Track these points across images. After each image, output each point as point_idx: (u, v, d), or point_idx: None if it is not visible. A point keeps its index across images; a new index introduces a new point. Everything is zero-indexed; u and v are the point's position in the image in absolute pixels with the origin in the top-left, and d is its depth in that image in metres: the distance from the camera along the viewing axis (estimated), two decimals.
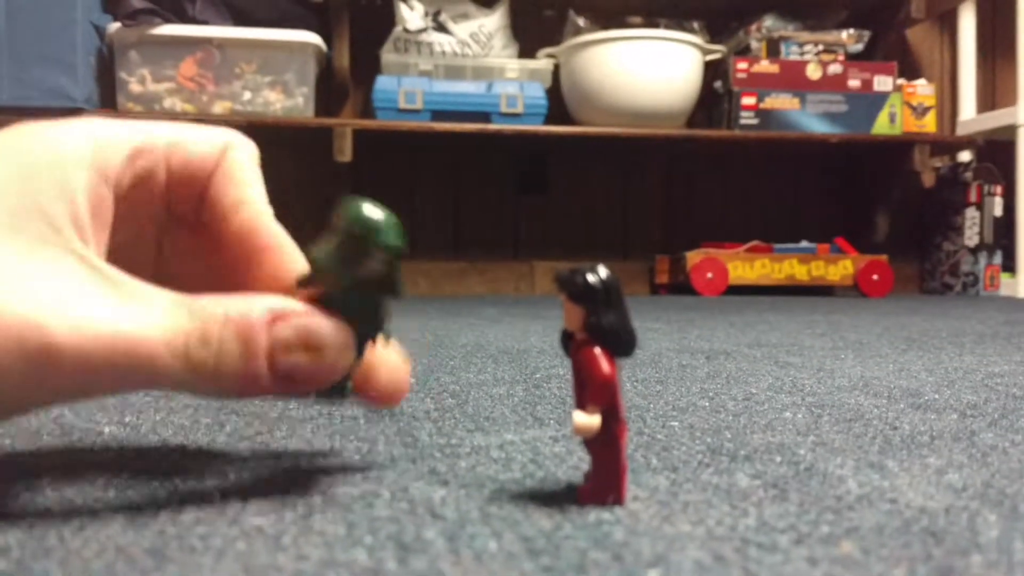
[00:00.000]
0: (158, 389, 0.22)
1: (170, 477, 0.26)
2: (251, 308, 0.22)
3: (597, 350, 0.22)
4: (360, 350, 0.24)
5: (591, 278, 0.22)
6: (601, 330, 0.22)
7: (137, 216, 0.25)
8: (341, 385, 0.24)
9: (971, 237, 1.98)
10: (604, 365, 0.22)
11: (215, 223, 0.26)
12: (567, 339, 0.23)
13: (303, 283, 0.23)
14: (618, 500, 0.23)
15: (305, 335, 0.22)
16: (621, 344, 0.23)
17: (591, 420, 0.22)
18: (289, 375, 0.22)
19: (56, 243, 0.21)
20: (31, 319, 0.20)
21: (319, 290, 0.23)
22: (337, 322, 0.23)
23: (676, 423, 0.36)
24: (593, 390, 0.22)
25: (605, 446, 0.23)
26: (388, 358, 0.26)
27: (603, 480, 0.23)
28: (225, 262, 0.26)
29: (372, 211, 0.23)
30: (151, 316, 0.21)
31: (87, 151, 0.23)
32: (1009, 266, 1.91)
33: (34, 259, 0.21)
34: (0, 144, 0.23)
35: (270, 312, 0.22)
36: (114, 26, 1.54)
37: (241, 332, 0.22)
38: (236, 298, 0.22)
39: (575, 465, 0.28)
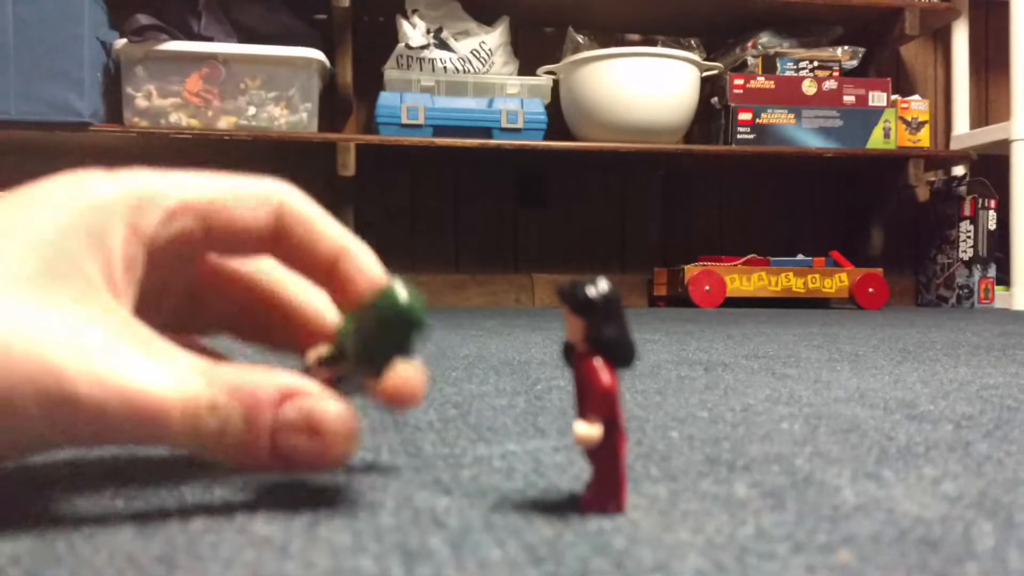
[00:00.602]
0: (170, 446, 0.22)
1: (179, 486, 0.26)
2: (262, 384, 0.22)
3: (598, 361, 0.23)
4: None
5: (592, 291, 0.23)
6: (602, 342, 0.23)
7: (169, 269, 0.26)
8: None
9: (965, 250, 1.98)
10: (605, 376, 0.23)
11: (310, 273, 0.26)
12: (568, 350, 0.24)
13: (327, 362, 0.25)
14: (619, 509, 0.23)
15: (309, 419, 0.23)
16: (621, 355, 0.23)
17: (592, 430, 0.23)
18: (289, 456, 0.23)
19: (89, 298, 0.22)
20: (55, 367, 0.20)
21: (336, 371, 0.25)
22: (345, 408, 0.23)
23: (675, 433, 0.36)
24: (594, 401, 0.23)
25: (606, 456, 0.23)
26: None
27: (604, 489, 0.23)
28: (256, 309, 0.28)
29: (407, 306, 0.24)
30: (170, 377, 0.22)
31: (125, 207, 0.23)
32: (1003, 279, 1.92)
33: (65, 312, 0.21)
34: (43, 194, 0.23)
35: (280, 391, 0.23)
36: (121, 42, 1.55)
37: (248, 408, 0.22)
38: (252, 371, 0.23)
39: (576, 475, 0.28)
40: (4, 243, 0.22)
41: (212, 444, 0.22)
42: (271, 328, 0.29)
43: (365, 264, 0.26)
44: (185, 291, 0.28)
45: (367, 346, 0.24)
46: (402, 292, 0.24)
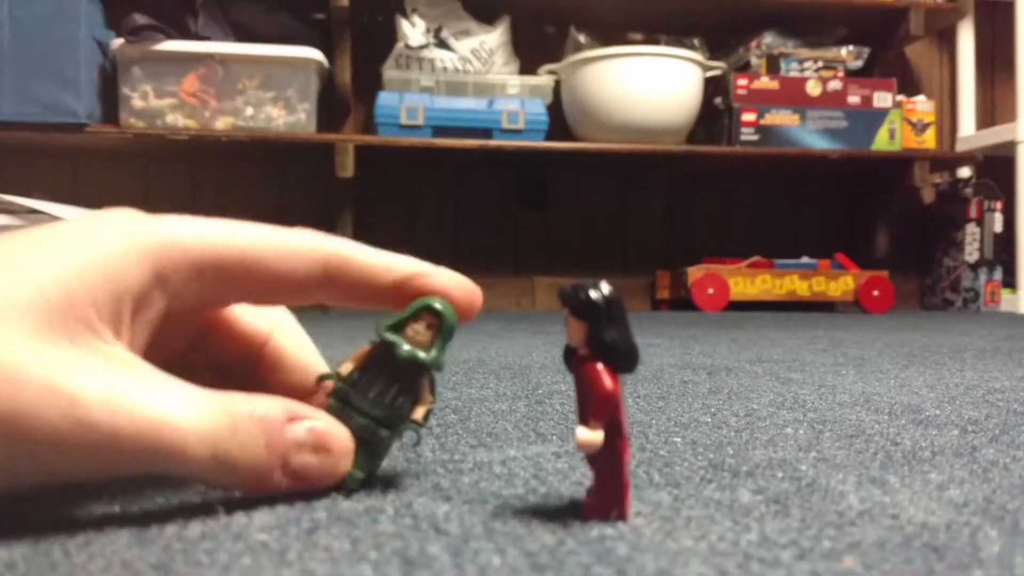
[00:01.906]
0: (180, 474, 0.22)
1: (176, 492, 0.26)
2: (273, 407, 0.24)
3: (599, 366, 0.23)
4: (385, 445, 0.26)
5: (594, 294, 0.22)
6: (603, 346, 0.22)
7: (188, 314, 0.26)
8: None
9: (971, 253, 1.98)
10: (606, 381, 0.22)
11: (367, 299, 0.27)
12: (570, 354, 0.24)
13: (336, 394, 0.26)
14: (621, 516, 0.23)
15: (316, 437, 0.24)
16: (623, 360, 0.23)
17: (594, 435, 0.22)
18: (300, 475, 0.24)
19: (88, 340, 0.22)
20: (70, 392, 0.21)
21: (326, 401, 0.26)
22: (342, 427, 0.25)
23: (678, 439, 0.36)
24: (596, 405, 0.22)
25: (608, 462, 0.23)
26: (453, 279, 0.27)
27: (606, 496, 0.23)
28: (255, 362, 0.29)
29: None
30: (183, 404, 0.22)
31: (149, 254, 0.23)
32: (1009, 282, 1.91)
33: (72, 347, 0.22)
34: (67, 231, 0.23)
35: (286, 412, 0.24)
36: (117, 42, 1.55)
37: (266, 429, 0.23)
38: (259, 397, 0.24)
39: (578, 481, 0.28)
40: (15, 277, 0.22)
41: (229, 467, 0.23)
42: (265, 384, 0.29)
43: (438, 281, 0.26)
44: (195, 335, 0.28)
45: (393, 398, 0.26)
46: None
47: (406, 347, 0.25)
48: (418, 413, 0.26)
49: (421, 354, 0.25)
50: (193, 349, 0.28)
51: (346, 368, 0.26)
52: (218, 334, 0.29)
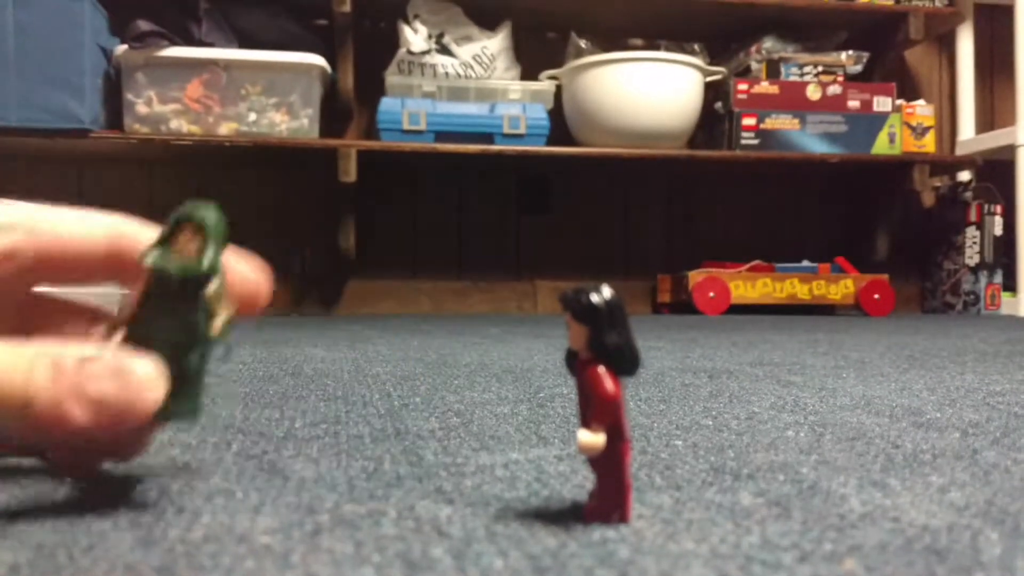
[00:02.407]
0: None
1: (179, 495, 0.26)
2: (66, 347, 0.23)
3: (601, 369, 0.23)
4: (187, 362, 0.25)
5: (595, 298, 0.23)
6: (605, 349, 0.23)
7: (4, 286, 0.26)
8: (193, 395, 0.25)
9: (971, 256, 1.98)
10: (608, 384, 0.23)
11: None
12: (572, 358, 0.24)
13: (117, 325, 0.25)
14: (623, 518, 0.23)
15: (112, 364, 0.23)
16: (624, 363, 0.23)
17: (595, 439, 0.22)
18: (100, 405, 0.23)
19: None
20: None
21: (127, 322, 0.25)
22: (143, 355, 0.24)
23: (679, 442, 0.36)
24: (597, 409, 0.23)
25: (609, 465, 0.23)
26: (237, 267, 0.27)
27: (608, 498, 0.23)
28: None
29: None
30: None
31: None
32: (1010, 285, 1.91)
33: None
34: None
35: (82, 350, 0.23)
36: (121, 48, 1.55)
37: (54, 361, 0.22)
38: (56, 342, 0.24)
39: (580, 484, 0.28)
40: None
41: (18, 406, 0.22)
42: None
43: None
44: (15, 317, 0.28)
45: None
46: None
47: (175, 265, 0.24)
48: (216, 326, 0.25)
49: (193, 265, 0.24)
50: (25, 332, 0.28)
51: (125, 310, 0.25)
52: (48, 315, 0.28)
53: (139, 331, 0.25)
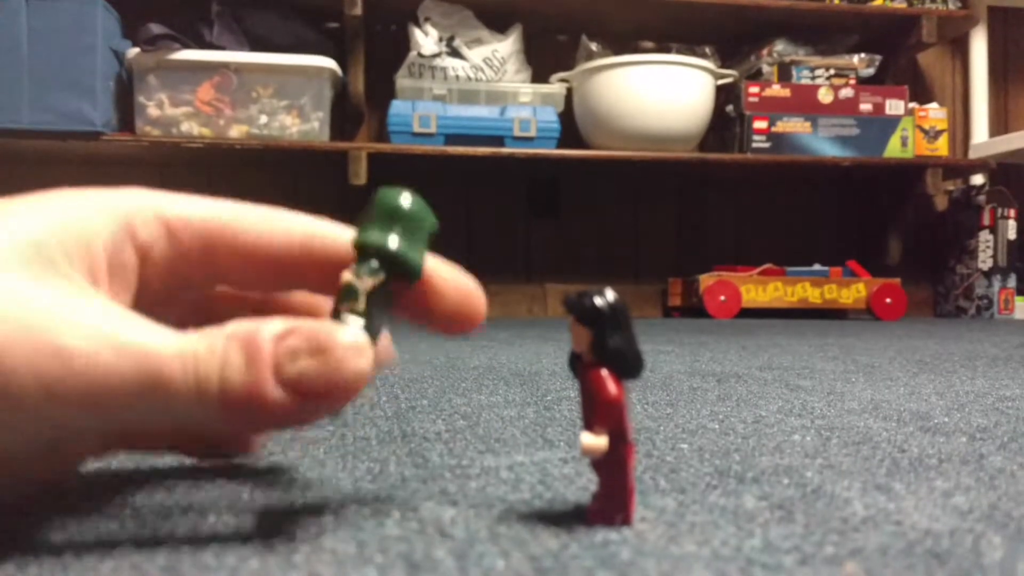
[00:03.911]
0: (169, 415, 0.21)
1: (184, 496, 0.26)
2: (259, 325, 0.21)
3: (604, 372, 0.23)
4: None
5: (598, 301, 0.23)
6: (608, 352, 0.23)
7: (172, 281, 0.25)
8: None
9: (985, 260, 1.97)
10: (611, 387, 0.23)
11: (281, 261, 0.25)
12: (575, 360, 0.24)
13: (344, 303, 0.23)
14: (625, 521, 0.23)
15: (314, 339, 0.21)
16: (627, 366, 0.23)
17: (598, 441, 0.23)
18: (297, 387, 0.21)
19: (71, 281, 0.21)
20: (44, 323, 0.20)
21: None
22: (352, 327, 0.22)
23: (685, 445, 0.36)
24: (600, 411, 0.23)
25: (612, 467, 0.23)
26: (452, 274, 0.25)
27: (610, 501, 0.23)
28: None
29: (403, 192, 0.24)
30: (163, 334, 0.21)
31: (117, 215, 0.23)
32: (1023, 289, 1.90)
33: (46, 286, 0.21)
34: (36, 199, 0.23)
35: (282, 328, 0.21)
36: (133, 51, 1.56)
37: (246, 344, 0.21)
38: (248, 320, 0.22)
39: (584, 486, 0.28)
40: None
41: (216, 396, 0.20)
42: None
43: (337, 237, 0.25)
44: (191, 305, 0.26)
45: (388, 249, 0.23)
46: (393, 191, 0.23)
47: (415, 258, 0.23)
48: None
49: (414, 259, 0.23)
50: (199, 322, 0.26)
51: (361, 302, 0.23)
52: (229, 303, 0.27)
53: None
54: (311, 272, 0.25)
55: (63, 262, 0.21)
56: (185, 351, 0.20)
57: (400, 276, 0.23)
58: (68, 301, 0.20)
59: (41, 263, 0.21)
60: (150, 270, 0.24)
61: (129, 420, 0.21)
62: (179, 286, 0.25)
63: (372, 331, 0.22)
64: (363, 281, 0.22)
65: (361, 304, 0.22)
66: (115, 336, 0.20)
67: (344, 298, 0.22)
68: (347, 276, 0.23)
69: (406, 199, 0.23)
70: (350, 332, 0.21)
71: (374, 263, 0.23)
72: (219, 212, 0.24)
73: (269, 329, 0.21)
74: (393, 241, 0.23)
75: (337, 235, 0.25)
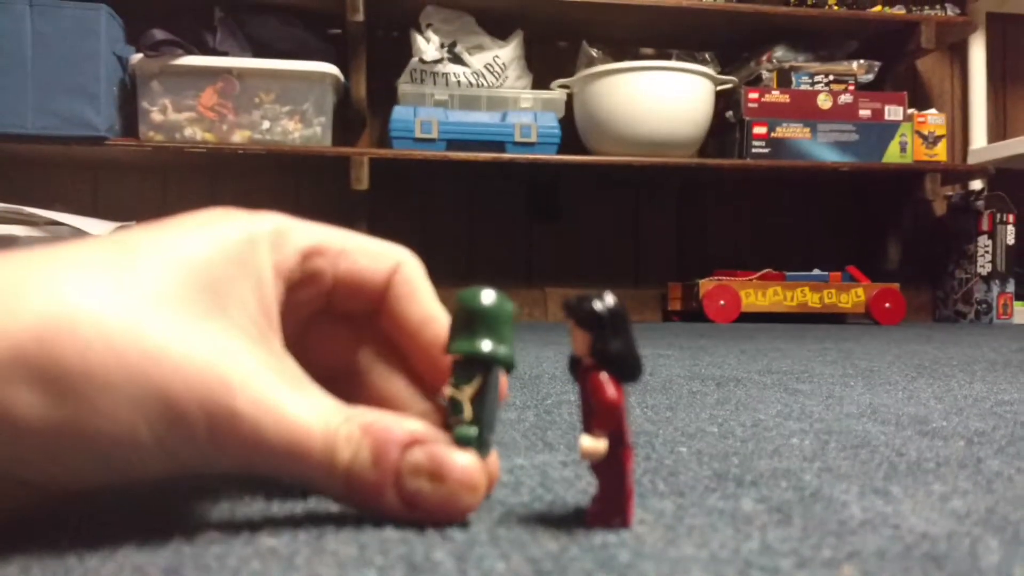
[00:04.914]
0: (306, 481, 0.23)
1: (186, 498, 0.27)
2: (393, 426, 0.23)
3: (603, 375, 0.23)
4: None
5: (597, 305, 0.23)
6: (607, 355, 0.23)
7: (296, 308, 0.26)
8: None
9: (984, 265, 1.97)
10: (610, 390, 0.23)
11: (399, 334, 0.27)
12: (575, 364, 0.24)
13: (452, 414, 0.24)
14: (624, 523, 0.23)
15: (435, 464, 0.23)
16: (627, 369, 0.23)
17: (597, 444, 0.23)
18: (412, 501, 0.23)
19: (241, 325, 0.22)
20: (225, 379, 0.21)
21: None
22: (472, 460, 0.23)
23: (684, 448, 0.36)
24: (599, 415, 0.23)
25: (611, 470, 0.23)
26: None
27: (609, 503, 0.23)
28: (368, 357, 0.28)
29: (484, 292, 0.25)
30: (314, 410, 0.22)
31: (269, 243, 0.24)
32: (1022, 294, 1.90)
33: (217, 333, 0.22)
34: (193, 221, 0.23)
35: (410, 435, 0.23)
36: (137, 57, 1.57)
37: (376, 444, 0.23)
38: (385, 414, 0.23)
39: (583, 489, 0.28)
40: (151, 261, 0.22)
41: (343, 479, 0.22)
42: (365, 391, 0.28)
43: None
44: (293, 333, 0.27)
45: (481, 353, 0.24)
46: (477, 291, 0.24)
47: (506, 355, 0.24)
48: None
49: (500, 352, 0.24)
50: (296, 352, 0.27)
51: (467, 412, 0.24)
52: (323, 335, 0.28)
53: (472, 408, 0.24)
54: (385, 298, 0.27)
55: (239, 286, 0.23)
56: (328, 432, 0.22)
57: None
58: (231, 353, 0.22)
59: (213, 298, 0.22)
60: (289, 294, 0.25)
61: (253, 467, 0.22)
62: (296, 305, 0.26)
63: (484, 430, 0.24)
64: (463, 392, 0.24)
65: (467, 414, 0.24)
66: (278, 409, 0.22)
67: (452, 412, 0.24)
68: (448, 391, 0.24)
69: (487, 297, 0.24)
70: (466, 462, 0.23)
71: (471, 370, 0.24)
72: (343, 239, 0.26)
73: (399, 434, 0.23)
74: (483, 344, 0.24)
75: (415, 269, 0.27)
